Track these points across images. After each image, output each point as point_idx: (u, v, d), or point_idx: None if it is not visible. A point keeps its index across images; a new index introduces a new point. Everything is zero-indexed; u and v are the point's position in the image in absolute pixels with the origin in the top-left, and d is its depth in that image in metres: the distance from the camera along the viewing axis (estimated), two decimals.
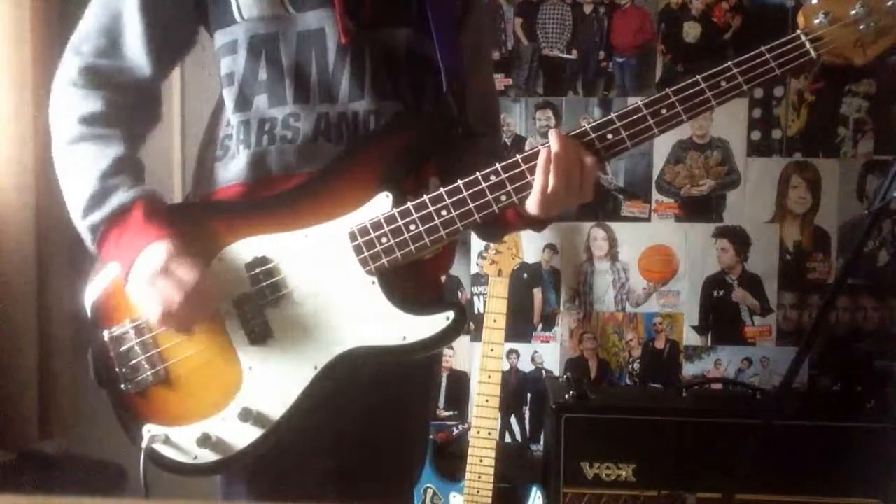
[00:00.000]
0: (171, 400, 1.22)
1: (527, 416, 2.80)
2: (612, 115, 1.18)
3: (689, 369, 2.77)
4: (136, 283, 1.15)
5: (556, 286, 2.78)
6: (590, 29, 2.73)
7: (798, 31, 1.18)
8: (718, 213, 2.74)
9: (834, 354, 2.69)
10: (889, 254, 2.70)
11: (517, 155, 1.18)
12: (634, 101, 1.18)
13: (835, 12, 1.16)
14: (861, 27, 1.16)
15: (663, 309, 2.77)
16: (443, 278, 1.46)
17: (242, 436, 1.19)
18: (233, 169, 1.26)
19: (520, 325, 2.76)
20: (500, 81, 2.69)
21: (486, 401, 2.41)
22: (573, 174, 1.16)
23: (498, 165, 1.18)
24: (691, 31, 2.69)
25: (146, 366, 1.21)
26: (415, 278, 1.23)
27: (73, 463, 2.29)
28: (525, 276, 2.75)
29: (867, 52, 1.17)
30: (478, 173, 1.18)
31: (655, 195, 2.74)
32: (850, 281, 2.47)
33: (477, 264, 2.72)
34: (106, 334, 1.22)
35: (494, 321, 2.45)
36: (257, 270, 1.19)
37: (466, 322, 1.21)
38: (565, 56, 2.74)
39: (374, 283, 1.18)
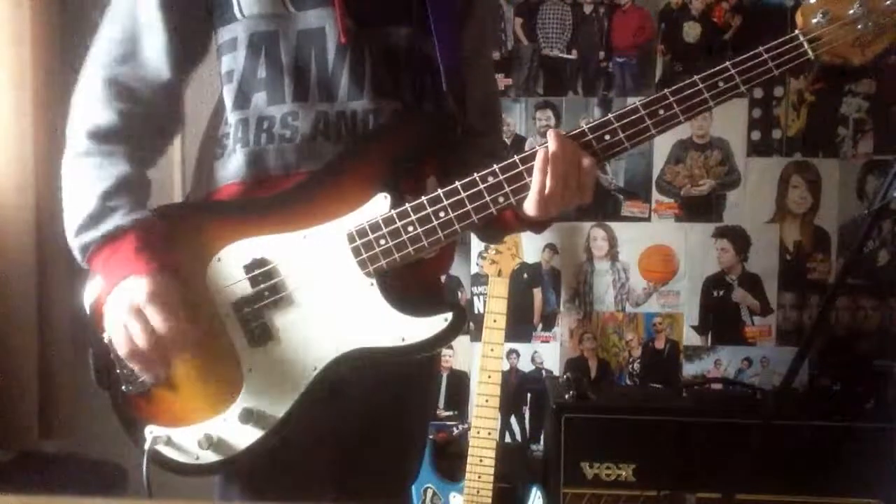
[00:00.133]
0: (173, 401, 1.22)
1: (527, 416, 2.80)
2: (610, 115, 1.18)
3: (689, 369, 2.77)
4: (111, 313, 1.15)
5: (556, 286, 2.78)
6: (590, 29, 2.73)
7: (796, 31, 1.17)
8: (718, 213, 2.74)
9: (834, 354, 2.69)
10: (889, 254, 2.69)
11: (515, 156, 1.18)
12: (634, 101, 1.18)
13: (833, 12, 1.16)
14: (859, 27, 1.16)
15: (663, 309, 2.77)
16: (442, 278, 1.46)
17: (243, 436, 1.19)
18: (231, 167, 1.25)
19: (520, 325, 2.76)
20: (500, 81, 2.69)
21: (486, 401, 2.41)
22: (571, 175, 1.16)
23: (496, 166, 1.18)
24: (691, 31, 2.69)
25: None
26: (414, 279, 1.23)
27: (73, 463, 2.29)
28: (525, 276, 2.75)
29: (865, 52, 1.17)
30: (475, 174, 1.18)
31: (655, 195, 2.74)
32: (850, 281, 2.46)
33: (477, 264, 2.72)
34: (106, 336, 1.21)
35: (494, 321, 2.45)
36: (256, 272, 1.19)
37: (465, 323, 1.21)
38: (565, 56, 2.74)
39: (372, 284, 1.18)
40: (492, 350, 2.43)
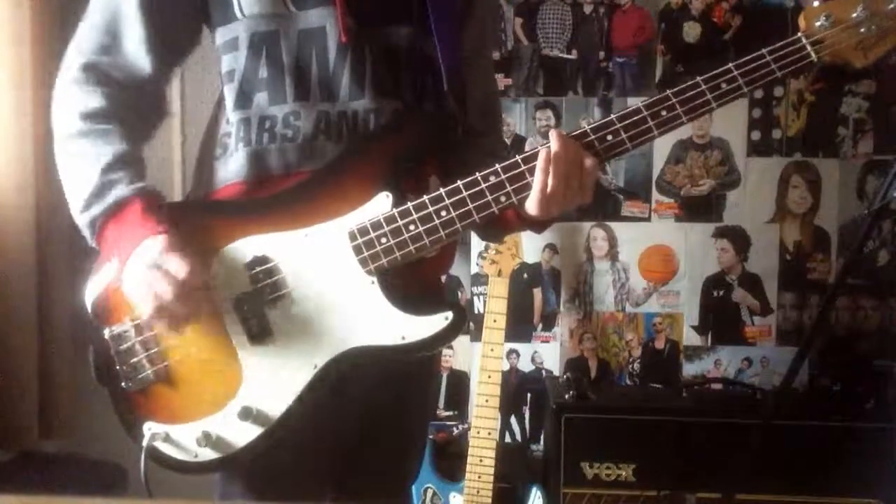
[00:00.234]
0: (172, 398, 1.22)
1: (527, 416, 2.80)
2: (612, 116, 1.18)
3: (689, 369, 2.77)
4: (131, 277, 1.15)
5: (556, 286, 2.78)
6: (590, 29, 2.73)
7: (799, 34, 1.18)
8: (718, 213, 2.74)
9: (834, 354, 2.69)
10: (889, 254, 2.69)
11: (517, 155, 1.18)
12: (634, 101, 1.18)
13: (836, 15, 1.16)
14: (862, 30, 1.16)
15: (663, 309, 2.77)
16: (443, 278, 1.46)
17: (242, 434, 1.19)
18: (232, 167, 1.26)
19: (520, 325, 2.76)
20: (500, 81, 2.69)
21: (486, 401, 2.41)
22: (573, 175, 1.16)
23: (497, 166, 1.18)
24: (691, 31, 2.69)
25: (147, 364, 1.21)
26: (415, 278, 1.23)
27: (73, 463, 2.29)
28: (525, 276, 2.75)
29: (868, 55, 1.17)
30: (477, 174, 1.18)
31: (655, 195, 2.74)
32: (850, 281, 2.46)
33: (477, 264, 2.72)
34: (106, 332, 1.22)
35: (494, 321, 2.45)
36: (257, 269, 1.20)
37: (465, 322, 1.21)
38: (565, 56, 2.74)
39: (373, 282, 1.18)
40: (492, 350, 2.43)
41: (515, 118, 2.74)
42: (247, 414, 1.19)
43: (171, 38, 1.27)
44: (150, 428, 1.22)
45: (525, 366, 2.80)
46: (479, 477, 2.39)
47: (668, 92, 1.17)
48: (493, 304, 2.47)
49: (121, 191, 1.18)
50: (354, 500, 1.39)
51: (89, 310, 1.24)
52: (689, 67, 2.66)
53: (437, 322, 1.17)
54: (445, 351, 2.74)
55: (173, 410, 1.22)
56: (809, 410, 2.38)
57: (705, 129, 2.70)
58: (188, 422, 1.21)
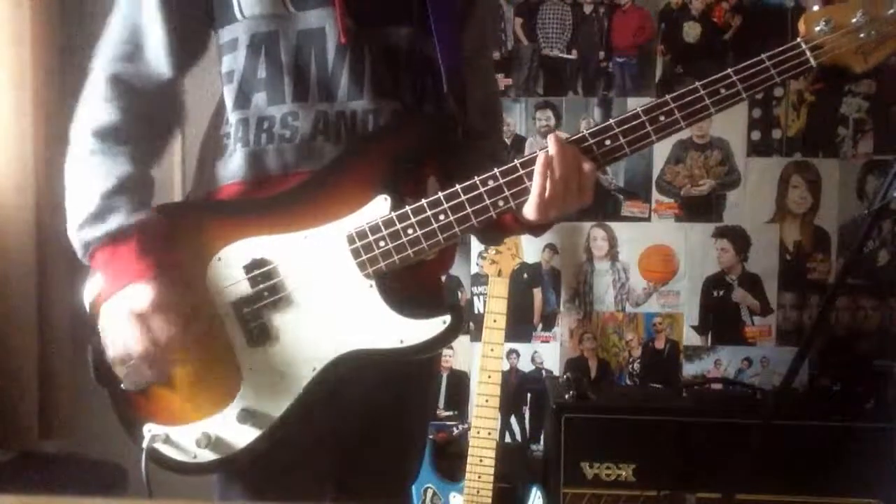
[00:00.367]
0: (171, 400, 1.22)
1: (527, 416, 2.80)
2: (611, 121, 1.18)
3: (689, 369, 2.77)
4: (108, 317, 1.16)
5: (556, 286, 2.78)
6: (590, 29, 2.73)
7: (798, 39, 1.17)
8: (718, 213, 2.74)
9: (834, 354, 2.69)
10: (889, 254, 2.69)
11: (515, 160, 1.18)
12: (634, 101, 1.18)
13: (836, 20, 1.16)
14: (862, 35, 1.16)
15: (663, 309, 2.77)
16: (442, 279, 1.46)
17: (241, 436, 1.20)
18: (231, 167, 1.26)
19: (520, 325, 2.76)
20: (500, 81, 2.68)
21: (486, 401, 2.41)
22: (571, 179, 1.16)
23: (496, 170, 1.18)
24: (691, 32, 2.69)
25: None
26: (413, 281, 1.23)
27: (73, 463, 2.29)
28: (525, 276, 2.76)
29: (868, 60, 1.17)
30: (476, 178, 1.18)
31: (655, 195, 2.74)
32: (850, 281, 2.46)
33: (477, 264, 2.72)
34: (102, 334, 1.22)
35: (494, 321, 2.45)
36: (256, 272, 1.20)
37: (463, 325, 1.21)
38: (565, 56, 2.74)
39: (371, 286, 1.18)
40: (492, 350, 2.43)
41: (515, 118, 2.74)
42: (246, 415, 1.19)
43: (187, 41, 1.28)
44: (150, 429, 1.22)
45: (525, 366, 2.80)
46: (479, 477, 2.39)
47: (667, 97, 1.17)
48: (493, 304, 2.47)
49: (120, 219, 1.17)
50: (354, 500, 1.39)
51: (88, 310, 1.25)
52: (688, 68, 2.65)
53: (435, 325, 1.17)
54: (445, 351, 2.74)
55: (173, 412, 1.22)
56: (809, 410, 2.37)
57: (705, 130, 2.70)
58: (188, 423, 1.21)
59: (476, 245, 2.74)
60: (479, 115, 1.41)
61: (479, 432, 2.41)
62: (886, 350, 2.67)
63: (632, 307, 2.77)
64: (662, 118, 1.17)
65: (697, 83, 1.17)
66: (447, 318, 1.17)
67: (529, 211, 1.18)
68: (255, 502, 1.29)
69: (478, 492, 2.38)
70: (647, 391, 2.72)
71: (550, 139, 1.16)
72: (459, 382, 2.80)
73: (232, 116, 1.27)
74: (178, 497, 1.14)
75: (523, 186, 1.17)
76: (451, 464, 2.58)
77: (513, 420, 2.80)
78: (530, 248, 2.70)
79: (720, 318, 2.76)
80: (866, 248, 2.60)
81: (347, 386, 1.21)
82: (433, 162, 1.27)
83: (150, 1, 1.23)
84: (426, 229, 1.18)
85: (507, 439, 2.79)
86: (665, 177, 2.73)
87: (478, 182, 1.18)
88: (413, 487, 2.35)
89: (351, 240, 1.18)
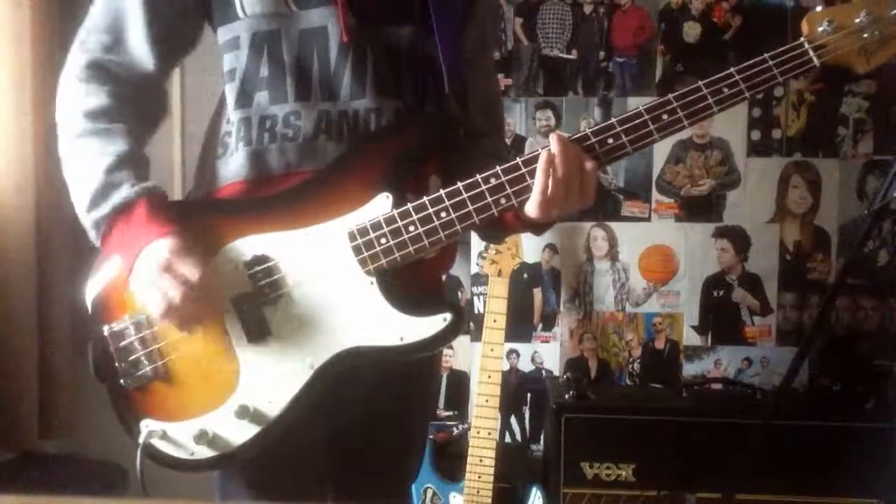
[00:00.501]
0: (170, 396, 1.22)
1: (527, 416, 2.80)
2: (613, 119, 1.18)
3: (689, 369, 2.77)
4: (140, 280, 1.15)
5: (556, 286, 2.78)
6: (590, 29, 2.73)
7: (802, 39, 1.17)
8: (718, 213, 2.74)
9: (834, 354, 2.69)
10: (889, 254, 2.70)
11: (517, 158, 1.18)
12: (634, 101, 1.18)
13: (839, 20, 1.16)
14: (865, 35, 1.16)
15: (663, 309, 2.77)
16: (443, 277, 1.46)
17: (239, 433, 1.19)
18: (232, 166, 1.26)
19: (520, 325, 2.76)
20: (501, 81, 2.68)
21: (486, 401, 2.41)
22: (573, 178, 1.16)
23: (498, 168, 1.18)
24: (691, 31, 2.69)
25: (145, 361, 1.21)
26: (414, 278, 1.23)
27: (73, 463, 2.29)
28: (525, 276, 2.76)
29: (870, 61, 1.17)
30: (478, 176, 1.18)
31: (655, 195, 2.74)
32: (850, 281, 2.46)
33: (477, 264, 2.72)
34: (106, 329, 1.22)
35: (494, 321, 2.45)
36: (257, 269, 1.20)
37: (464, 323, 1.21)
38: (565, 56, 2.74)
39: (372, 283, 1.18)
40: (492, 350, 2.43)
41: (515, 118, 2.74)
42: (244, 412, 1.19)
43: (173, 34, 1.28)
44: (147, 425, 1.21)
45: (525, 366, 2.80)
46: (479, 477, 2.39)
47: (670, 96, 1.17)
48: (493, 304, 2.47)
49: (126, 191, 1.18)
50: (354, 500, 1.39)
51: (89, 307, 1.25)
52: (689, 67, 2.66)
53: (436, 323, 1.17)
54: (445, 351, 2.74)
55: (171, 408, 1.22)
56: (809, 410, 2.38)
57: (705, 129, 2.70)
58: (186, 419, 1.21)
59: (476, 245, 2.74)
60: (480, 115, 1.41)
61: (479, 432, 2.41)
62: (886, 350, 2.67)
63: (632, 307, 2.77)
64: (665, 117, 1.17)
65: (700, 82, 1.17)
66: (448, 315, 1.17)
67: (531, 209, 1.18)
68: (254, 501, 1.29)
69: (478, 492, 2.38)
70: (647, 391, 2.72)
71: (552, 137, 1.16)
72: (459, 382, 2.80)
73: (233, 115, 1.27)
74: (178, 496, 1.13)
75: (525, 184, 1.17)
76: (451, 464, 2.58)
77: (513, 420, 2.80)
78: (530, 248, 2.70)
79: (720, 318, 2.76)
80: (866, 248, 2.60)
81: (347, 385, 1.21)
82: (435, 160, 1.27)
83: None
84: (428, 227, 1.17)
85: (507, 439, 2.79)
86: (665, 177, 2.73)
87: (480, 180, 1.17)
88: (413, 487, 2.35)
89: (352, 237, 1.18)
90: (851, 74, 1.20)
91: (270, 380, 1.19)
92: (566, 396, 2.41)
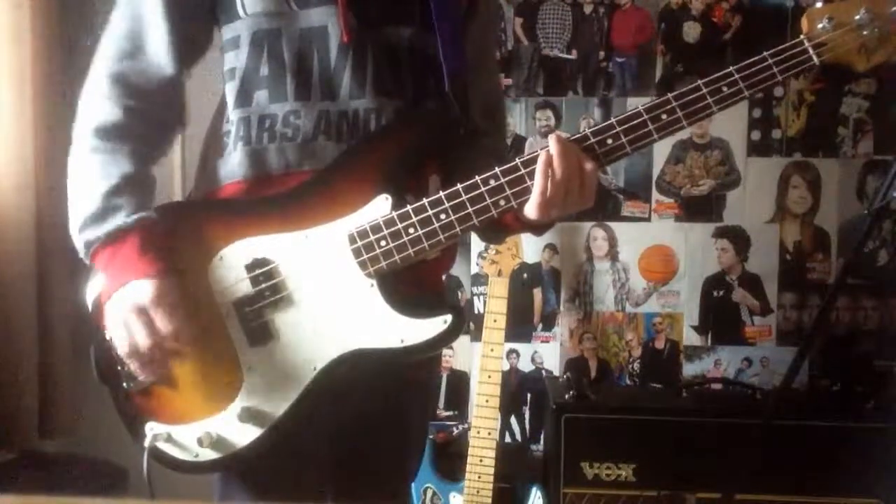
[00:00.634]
0: (173, 398, 1.23)
1: (527, 416, 2.80)
2: (613, 119, 1.18)
3: (689, 369, 2.77)
4: (114, 313, 1.16)
5: (556, 286, 2.78)
6: (590, 29, 2.73)
7: (801, 37, 1.17)
8: (718, 213, 2.74)
9: (834, 354, 2.69)
10: (889, 254, 2.69)
11: (517, 159, 1.18)
12: (634, 101, 1.18)
13: (839, 18, 1.16)
14: (865, 33, 1.16)
15: (663, 309, 2.77)
16: (443, 278, 1.46)
17: (242, 435, 1.20)
18: (232, 165, 1.26)
19: (520, 325, 2.76)
20: (501, 81, 2.68)
21: (486, 401, 2.41)
22: (573, 178, 1.16)
23: (497, 170, 1.18)
24: (691, 31, 2.69)
25: None
26: (415, 279, 1.23)
27: (73, 463, 2.29)
28: (525, 276, 2.75)
29: (870, 59, 1.17)
30: (477, 177, 1.18)
31: (655, 195, 2.74)
32: (850, 281, 2.46)
33: (477, 264, 2.72)
34: (108, 332, 1.22)
35: (494, 321, 2.45)
36: (257, 272, 1.20)
37: (464, 324, 1.21)
38: (565, 56, 2.74)
39: (372, 285, 1.18)
40: (492, 350, 2.43)
41: (515, 118, 2.74)
42: (247, 415, 1.19)
43: (191, 36, 1.28)
44: (151, 428, 1.22)
45: (525, 366, 2.80)
46: (479, 477, 2.39)
47: (669, 95, 1.17)
48: (493, 304, 2.47)
49: (120, 220, 1.18)
50: (354, 500, 1.39)
51: (91, 309, 1.25)
52: (689, 67, 2.65)
53: (436, 325, 1.17)
54: (445, 351, 2.74)
55: (174, 411, 1.23)
56: (809, 410, 2.38)
57: (705, 129, 2.70)
58: (189, 422, 1.21)
59: (476, 245, 2.73)
60: (482, 115, 1.41)
61: (479, 432, 2.41)
62: (886, 350, 2.67)
63: (632, 307, 2.77)
64: (664, 117, 1.17)
65: (699, 81, 1.17)
66: (448, 317, 1.17)
67: (531, 210, 1.18)
68: (255, 502, 1.30)
69: (478, 492, 2.38)
70: (647, 391, 2.72)
71: (552, 138, 1.16)
72: (459, 382, 2.80)
73: (233, 114, 1.27)
74: (180, 497, 1.14)
75: (525, 186, 1.17)
76: (451, 464, 2.58)
77: (513, 420, 2.80)
78: (530, 248, 2.70)
79: (720, 318, 2.76)
80: (866, 248, 2.60)
81: (348, 386, 1.21)
82: (435, 161, 1.27)
83: None
84: (427, 228, 1.18)
85: (507, 439, 2.79)
86: (665, 177, 2.73)
87: (479, 181, 1.18)
88: (413, 487, 2.36)
89: (352, 239, 1.18)
90: (851, 73, 1.20)
91: (273, 382, 1.20)
92: (566, 396, 2.41)
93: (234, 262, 1.20)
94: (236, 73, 1.26)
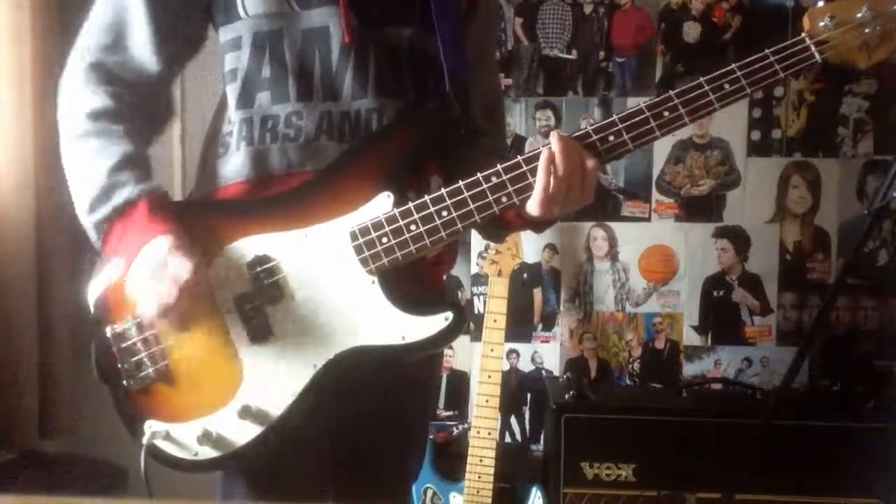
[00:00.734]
0: (173, 396, 1.22)
1: (527, 416, 2.80)
2: (615, 116, 1.18)
3: (689, 369, 2.77)
4: (137, 278, 1.16)
5: (556, 286, 2.78)
6: (590, 29, 2.73)
7: (803, 34, 1.17)
8: (718, 213, 2.74)
9: (834, 354, 2.69)
10: (889, 254, 2.70)
11: (518, 156, 1.18)
12: (634, 101, 1.18)
13: (840, 16, 1.16)
14: (867, 31, 1.16)
15: (663, 309, 2.77)
16: (444, 277, 1.46)
17: (242, 433, 1.19)
18: (233, 166, 1.26)
19: (520, 325, 2.76)
20: (501, 81, 2.68)
21: (486, 401, 2.41)
22: (574, 175, 1.15)
23: (499, 166, 1.18)
24: (691, 31, 2.69)
25: (148, 362, 1.21)
26: (416, 277, 1.23)
27: (73, 463, 2.29)
28: (525, 276, 2.75)
29: (872, 57, 1.17)
30: (479, 174, 1.18)
31: (655, 195, 2.74)
32: (850, 281, 2.46)
33: (477, 264, 2.72)
34: (108, 330, 1.22)
35: (494, 321, 2.45)
36: (258, 269, 1.20)
37: (465, 323, 1.21)
38: (565, 56, 2.74)
39: (374, 282, 1.18)
40: (492, 350, 2.43)
41: (515, 118, 2.74)
42: (247, 413, 1.19)
43: (176, 38, 1.27)
44: (150, 426, 1.21)
45: (525, 366, 2.80)
46: (479, 477, 2.39)
47: (671, 93, 1.17)
48: (493, 304, 2.47)
49: (128, 192, 1.18)
50: (354, 500, 1.39)
51: (91, 308, 1.25)
52: (689, 67, 2.66)
53: (438, 322, 1.17)
54: (445, 351, 2.74)
55: (174, 409, 1.22)
56: (809, 410, 2.38)
57: (705, 129, 2.70)
58: (189, 420, 1.21)
59: (476, 245, 2.73)
60: (482, 115, 1.41)
61: (479, 432, 2.41)
62: (886, 350, 2.67)
63: (632, 307, 2.77)
64: (666, 114, 1.17)
65: (701, 78, 1.17)
66: (449, 314, 1.17)
67: (533, 207, 1.17)
68: (255, 502, 1.29)
69: (478, 492, 2.38)
70: (647, 391, 2.72)
71: (553, 135, 1.16)
72: (459, 382, 2.80)
73: (235, 115, 1.27)
74: (180, 497, 1.14)
75: (526, 183, 1.17)
76: (451, 464, 2.58)
77: (513, 420, 2.79)
78: (530, 248, 2.70)
79: (720, 318, 2.76)
80: (866, 248, 2.60)
81: (348, 385, 1.21)
82: (436, 160, 1.27)
83: None
84: (429, 225, 1.17)
85: (507, 439, 2.79)
86: (665, 177, 2.73)
87: (481, 178, 1.17)
88: (413, 487, 2.36)
89: (353, 236, 1.18)
90: (852, 71, 1.20)
91: (273, 380, 1.19)
92: (566, 396, 2.41)
93: (235, 259, 1.20)
94: (238, 74, 1.26)
